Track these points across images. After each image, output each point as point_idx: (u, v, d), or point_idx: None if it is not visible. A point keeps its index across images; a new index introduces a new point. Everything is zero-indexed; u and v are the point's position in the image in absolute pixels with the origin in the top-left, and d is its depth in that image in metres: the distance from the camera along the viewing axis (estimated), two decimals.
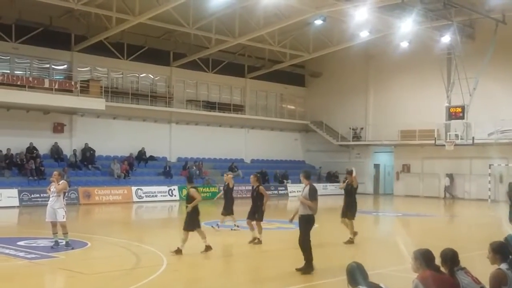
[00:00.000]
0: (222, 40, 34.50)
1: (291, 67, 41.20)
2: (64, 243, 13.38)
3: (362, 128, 41.97)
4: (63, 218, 13.36)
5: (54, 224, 13.45)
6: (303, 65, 43.17)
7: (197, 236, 13.24)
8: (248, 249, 14.43)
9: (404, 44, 35.58)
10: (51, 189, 13.53)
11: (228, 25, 33.32)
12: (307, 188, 11.18)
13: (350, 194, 15.27)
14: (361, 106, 42.15)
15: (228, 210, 17.72)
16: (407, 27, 31.46)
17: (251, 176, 15.71)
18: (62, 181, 13.64)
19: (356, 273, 5.60)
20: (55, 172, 13.95)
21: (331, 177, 42.08)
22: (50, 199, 13.51)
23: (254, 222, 15.09)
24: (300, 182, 42.03)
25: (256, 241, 14.81)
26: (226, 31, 33.71)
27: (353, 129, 41.93)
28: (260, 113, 42.45)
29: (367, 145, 41.88)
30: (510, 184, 19.54)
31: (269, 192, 37.00)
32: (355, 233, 15.15)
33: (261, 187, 15.17)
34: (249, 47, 37.80)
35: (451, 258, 5.94)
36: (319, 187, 40.04)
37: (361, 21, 29.95)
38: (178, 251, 12.84)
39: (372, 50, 39.63)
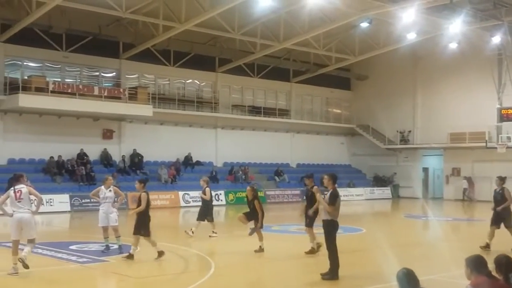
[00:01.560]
0: (267, 45, 34.57)
1: (336, 71, 40.92)
2: (116, 247, 13.66)
3: (410, 131, 41.33)
4: (116, 222, 13.67)
5: (105, 229, 13.74)
6: (349, 68, 42.82)
7: (245, 240, 13.23)
8: (295, 253, 14.35)
9: (453, 45, 34.86)
10: (102, 195, 13.85)
11: (273, 30, 33.35)
12: (329, 192, 10.90)
13: (311, 200, 13.60)
14: (409, 108, 41.49)
15: (203, 216, 17.05)
16: (455, 28, 30.80)
17: (248, 188, 14.36)
18: (112, 187, 14.01)
19: (406, 279, 5.49)
20: (110, 177, 14.34)
21: (379, 181, 41.59)
22: (102, 204, 13.82)
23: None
24: (347, 186, 41.51)
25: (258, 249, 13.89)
26: (271, 35, 33.75)
27: (400, 132, 41.35)
28: (306, 117, 42.30)
29: (415, 149, 41.18)
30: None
31: None
32: (318, 245, 13.51)
33: (256, 201, 13.97)
34: (294, 51, 37.75)
35: (505, 264, 5.77)
36: (366, 191, 39.72)
37: (408, 22, 29.49)
38: (130, 256, 12.59)
39: (420, 51, 39.01)
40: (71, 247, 14.38)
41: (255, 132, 38.62)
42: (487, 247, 14.03)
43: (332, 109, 44.72)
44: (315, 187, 13.50)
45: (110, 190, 13.82)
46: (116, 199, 14.00)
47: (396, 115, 41.26)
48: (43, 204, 12.24)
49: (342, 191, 34.81)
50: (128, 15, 28.23)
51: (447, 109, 38.73)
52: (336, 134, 43.67)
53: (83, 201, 27.24)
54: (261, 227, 13.94)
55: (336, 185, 11.01)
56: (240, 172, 35.84)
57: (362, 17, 30.39)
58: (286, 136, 40.71)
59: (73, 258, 12.93)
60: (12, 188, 10.88)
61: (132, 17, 29.09)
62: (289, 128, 40.78)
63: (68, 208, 26.89)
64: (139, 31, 31.47)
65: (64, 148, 29.90)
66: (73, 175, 29.48)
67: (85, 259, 12.76)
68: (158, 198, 29.88)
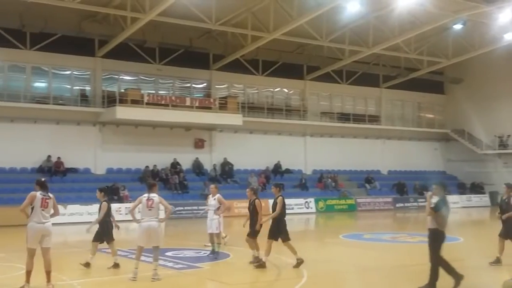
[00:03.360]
0: (355, 51, 34.18)
1: (428, 75, 39.77)
2: (214, 252, 14.18)
3: (509, 135, 39.39)
4: (216, 229, 14.23)
5: (211, 235, 14.31)
6: (442, 72, 41.52)
7: (336, 248, 13.07)
8: (389, 262, 14.01)
9: None
10: (209, 203, 14.59)
11: (361, 35, 32.93)
12: (438, 199, 10.60)
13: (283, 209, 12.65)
14: (508, 112, 39.54)
15: None
16: None
17: (247, 190, 13.79)
18: (218, 195, 14.48)
19: None
20: (212, 186, 15.04)
21: (476, 188, 39.90)
22: (209, 212, 14.55)
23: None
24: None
25: (254, 260, 12.98)
26: (359, 41, 33.32)
27: (499, 136, 39.54)
28: (397, 123, 41.39)
29: None
30: None
31: (408, 204, 35.99)
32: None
33: (257, 201, 13.24)
34: (383, 56, 37.07)
35: None
36: (462, 198, 38.17)
37: (504, 22, 28.22)
38: (87, 264, 12.31)
39: None
40: (167, 254, 14.77)
41: (344, 139, 38.22)
42: (498, 262, 13.09)
43: (425, 114, 43.49)
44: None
45: (214, 199, 14.46)
46: (218, 206, 14.42)
47: (494, 119, 39.48)
48: (172, 214, 12.90)
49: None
50: (218, 27, 28.87)
51: None
52: (429, 139, 42.39)
53: (177, 209, 27.93)
54: (261, 226, 13.09)
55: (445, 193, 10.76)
56: (330, 180, 35.55)
57: (455, 18, 29.42)
58: (377, 142, 39.99)
59: (170, 264, 13.28)
60: (146, 196, 11.65)
61: (222, 29, 29.71)
62: (379, 135, 40.03)
63: (163, 216, 27.62)
64: (228, 42, 32.07)
65: (159, 158, 30.94)
66: (167, 183, 30.40)
67: (181, 265, 13.08)
68: None
